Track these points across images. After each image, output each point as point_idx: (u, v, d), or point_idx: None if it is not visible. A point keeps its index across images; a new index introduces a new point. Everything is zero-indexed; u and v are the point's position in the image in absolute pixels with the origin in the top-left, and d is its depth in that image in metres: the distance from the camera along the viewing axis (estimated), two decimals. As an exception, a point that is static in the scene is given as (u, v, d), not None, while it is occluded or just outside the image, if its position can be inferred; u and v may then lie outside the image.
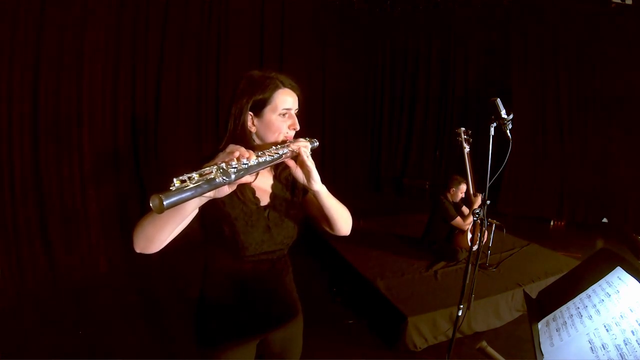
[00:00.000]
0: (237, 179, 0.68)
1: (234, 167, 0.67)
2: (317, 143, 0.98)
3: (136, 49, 3.48)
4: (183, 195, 0.57)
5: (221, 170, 0.64)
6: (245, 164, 0.70)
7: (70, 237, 3.10)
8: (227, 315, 1.03)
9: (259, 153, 0.76)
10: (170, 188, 0.57)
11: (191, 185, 0.58)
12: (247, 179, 0.72)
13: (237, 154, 0.72)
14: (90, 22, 3.08)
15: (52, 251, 2.99)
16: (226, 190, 0.73)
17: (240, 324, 1.04)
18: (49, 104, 2.92)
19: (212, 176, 0.62)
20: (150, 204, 0.55)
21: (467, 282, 1.82)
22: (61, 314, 2.59)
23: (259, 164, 0.74)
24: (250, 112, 0.95)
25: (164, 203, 0.54)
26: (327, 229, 1.05)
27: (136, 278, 3.22)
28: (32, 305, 2.67)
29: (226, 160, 0.68)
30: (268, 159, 0.77)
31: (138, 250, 0.82)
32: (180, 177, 0.59)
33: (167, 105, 3.76)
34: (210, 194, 0.71)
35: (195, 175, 0.61)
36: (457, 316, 1.82)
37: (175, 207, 0.73)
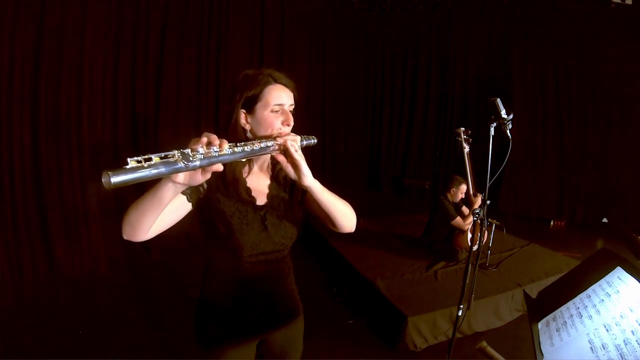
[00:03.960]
0: (203, 166, 0.67)
1: (200, 154, 0.66)
2: (315, 140, 0.96)
3: (136, 48, 3.48)
4: (135, 175, 0.56)
5: (185, 155, 0.63)
6: (216, 151, 0.69)
7: (70, 237, 3.10)
8: (227, 316, 1.03)
9: (237, 143, 0.75)
10: (124, 167, 0.56)
11: (145, 166, 0.57)
12: (217, 167, 0.71)
13: (204, 140, 0.70)
14: (90, 22, 3.08)
15: (52, 251, 2.99)
16: (199, 177, 0.72)
17: (240, 324, 1.04)
18: (49, 103, 2.93)
19: (172, 160, 0.62)
20: (102, 180, 0.54)
21: (467, 282, 1.82)
22: (61, 314, 2.59)
23: (233, 153, 0.73)
24: (243, 109, 0.95)
25: (111, 180, 0.53)
26: (331, 227, 1.03)
27: (136, 278, 3.22)
28: (32, 305, 2.67)
29: (194, 146, 0.67)
30: (247, 149, 0.76)
31: (125, 237, 0.82)
32: (137, 157, 0.58)
33: (167, 105, 3.77)
34: (181, 180, 0.71)
35: (154, 157, 0.60)
36: (457, 316, 1.82)
37: (152, 194, 0.74)
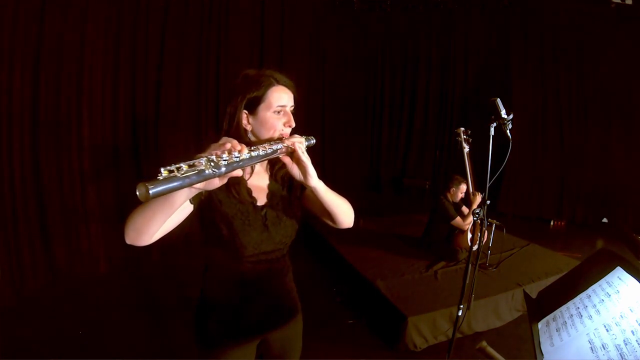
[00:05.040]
0: (227, 171, 0.67)
1: (225, 160, 0.66)
2: (314, 140, 0.97)
3: (136, 48, 3.48)
4: (170, 185, 0.57)
5: (211, 162, 0.64)
6: (237, 157, 0.69)
7: (70, 237, 3.10)
8: (227, 316, 1.03)
9: (252, 148, 0.76)
10: (158, 177, 0.56)
11: (179, 176, 0.58)
12: (237, 172, 0.71)
13: (228, 145, 0.71)
14: (90, 22, 3.08)
15: (52, 251, 2.99)
16: (216, 182, 0.72)
17: (240, 324, 1.04)
18: (49, 103, 2.92)
19: (202, 167, 0.62)
20: (137, 192, 0.55)
21: (467, 282, 1.82)
22: (61, 314, 2.59)
23: (251, 158, 0.73)
24: (245, 110, 0.95)
25: (150, 192, 0.54)
26: (330, 223, 1.05)
27: (136, 278, 3.22)
28: (32, 305, 2.67)
29: (217, 152, 0.68)
30: (261, 153, 0.77)
31: (128, 242, 0.81)
32: (168, 167, 0.59)
33: (167, 105, 3.76)
34: (199, 186, 0.71)
35: (184, 165, 0.60)
36: (457, 316, 1.82)
37: (163, 199, 0.73)
